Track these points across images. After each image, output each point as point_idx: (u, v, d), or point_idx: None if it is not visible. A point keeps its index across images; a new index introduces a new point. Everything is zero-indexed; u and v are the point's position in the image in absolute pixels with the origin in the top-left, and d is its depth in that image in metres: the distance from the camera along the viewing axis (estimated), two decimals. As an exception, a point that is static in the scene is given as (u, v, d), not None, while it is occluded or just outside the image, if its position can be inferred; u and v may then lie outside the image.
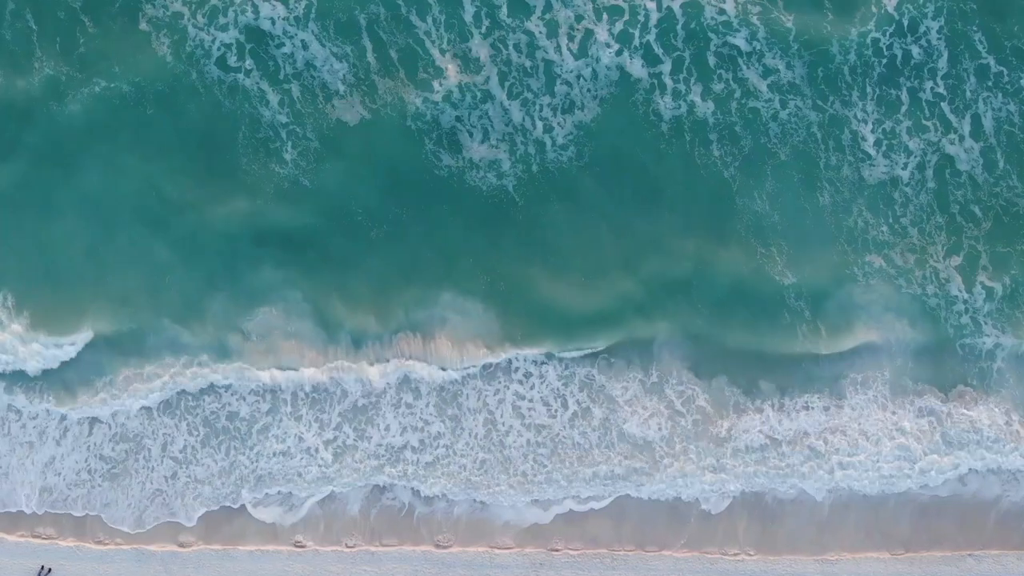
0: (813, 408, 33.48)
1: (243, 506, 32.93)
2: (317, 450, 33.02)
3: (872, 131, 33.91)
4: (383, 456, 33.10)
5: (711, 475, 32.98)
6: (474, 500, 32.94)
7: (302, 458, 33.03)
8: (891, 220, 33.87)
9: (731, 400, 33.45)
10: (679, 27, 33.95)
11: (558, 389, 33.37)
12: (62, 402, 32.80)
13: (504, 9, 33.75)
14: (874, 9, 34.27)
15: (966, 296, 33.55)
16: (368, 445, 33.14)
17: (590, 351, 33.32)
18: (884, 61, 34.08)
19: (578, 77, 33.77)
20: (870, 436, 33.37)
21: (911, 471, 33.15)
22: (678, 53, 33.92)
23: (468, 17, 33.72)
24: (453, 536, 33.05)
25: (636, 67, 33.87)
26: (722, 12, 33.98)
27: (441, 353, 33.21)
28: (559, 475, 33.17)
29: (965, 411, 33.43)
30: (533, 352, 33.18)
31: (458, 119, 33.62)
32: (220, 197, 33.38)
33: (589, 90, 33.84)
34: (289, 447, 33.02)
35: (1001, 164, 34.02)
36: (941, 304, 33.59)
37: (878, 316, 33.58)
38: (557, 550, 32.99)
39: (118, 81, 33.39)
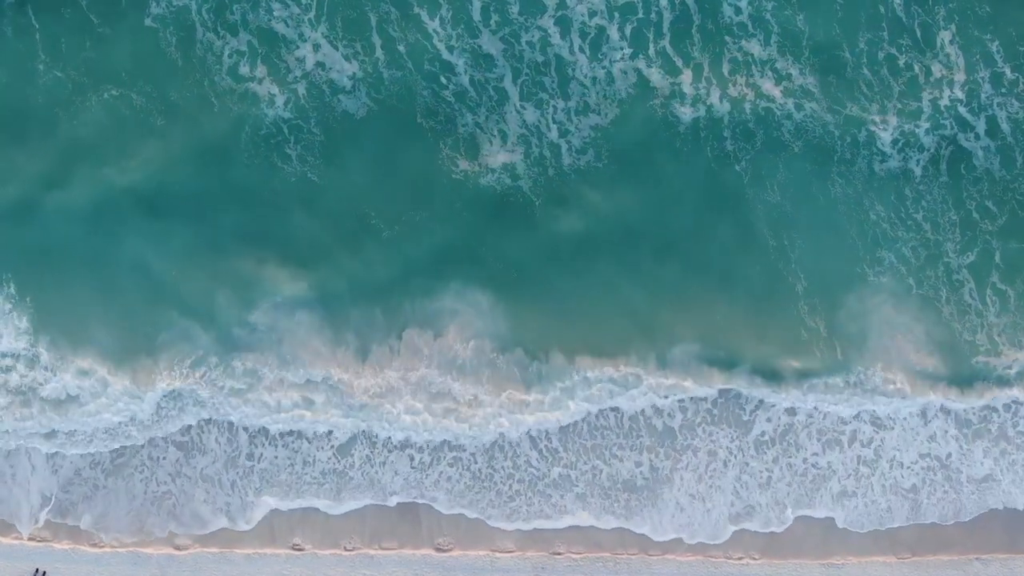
0: (836, 390, 33.31)
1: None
2: (330, 432, 32.91)
3: (887, 130, 34.04)
4: (393, 445, 32.90)
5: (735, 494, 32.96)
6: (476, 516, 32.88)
7: (309, 441, 32.87)
8: (904, 215, 33.85)
9: (752, 382, 33.37)
10: (694, 29, 34.08)
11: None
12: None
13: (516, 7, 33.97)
14: (882, 9, 34.42)
15: (979, 307, 33.52)
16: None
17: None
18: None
19: (594, 80, 33.86)
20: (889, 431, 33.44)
21: (940, 476, 33.19)
22: (695, 61, 34.08)
23: (476, 14, 33.88)
24: (454, 539, 32.74)
25: (653, 71, 34.01)
26: (738, 11, 34.16)
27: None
28: (575, 474, 32.92)
29: (982, 411, 33.43)
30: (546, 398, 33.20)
31: (477, 124, 33.68)
32: (225, 193, 33.36)
33: (604, 93, 33.90)
34: (300, 427, 32.90)
35: (1019, 161, 34.04)
36: (954, 313, 33.58)
37: (890, 323, 33.57)
38: (559, 553, 32.70)
39: (124, 87, 33.54)
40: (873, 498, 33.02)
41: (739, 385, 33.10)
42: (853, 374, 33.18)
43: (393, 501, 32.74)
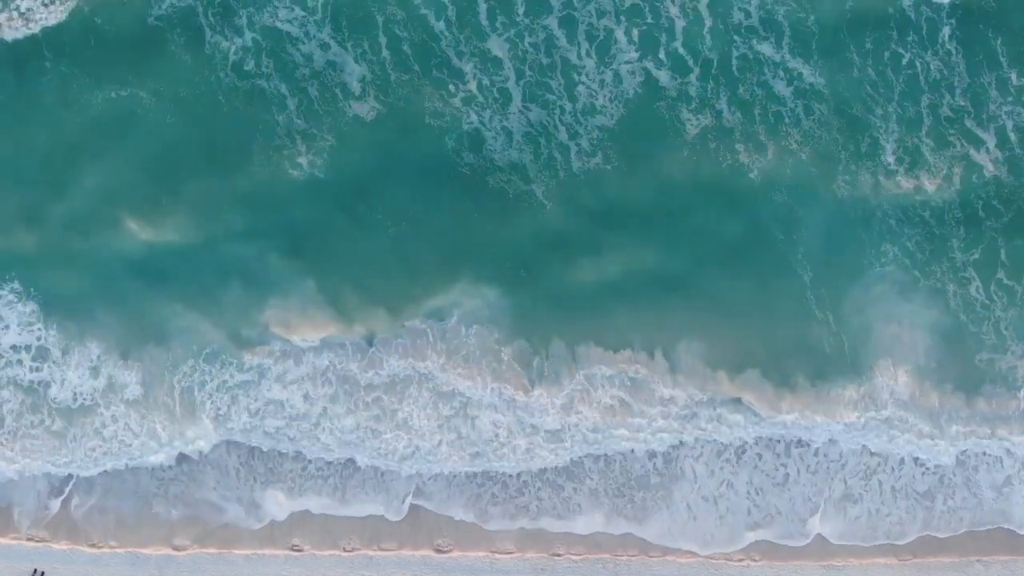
0: (846, 390, 33.10)
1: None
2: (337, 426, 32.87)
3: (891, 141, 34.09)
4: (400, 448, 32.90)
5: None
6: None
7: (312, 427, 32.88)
8: (911, 212, 33.73)
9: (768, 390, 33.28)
10: (705, 31, 34.10)
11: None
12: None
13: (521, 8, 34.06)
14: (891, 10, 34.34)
15: (985, 301, 33.42)
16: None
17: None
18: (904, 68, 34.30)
19: (601, 83, 33.91)
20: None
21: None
22: (704, 57, 34.04)
23: (483, 17, 33.96)
24: (453, 540, 32.65)
25: (662, 73, 34.01)
26: (748, 16, 34.15)
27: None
28: (588, 460, 32.85)
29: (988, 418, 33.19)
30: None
31: (481, 122, 33.71)
32: (234, 192, 33.40)
33: (611, 95, 33.90)
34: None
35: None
36: (959, 305, 33.46)
37: (896, 321, 33.46)
38: (559, 555, 32.60)
39: (133, 87, 33.56)
40: (878, 505, 32.94)
41: (751, 400, 33.04)
42: (863, 384, 33.08)
43: (403, 506, 32.76)
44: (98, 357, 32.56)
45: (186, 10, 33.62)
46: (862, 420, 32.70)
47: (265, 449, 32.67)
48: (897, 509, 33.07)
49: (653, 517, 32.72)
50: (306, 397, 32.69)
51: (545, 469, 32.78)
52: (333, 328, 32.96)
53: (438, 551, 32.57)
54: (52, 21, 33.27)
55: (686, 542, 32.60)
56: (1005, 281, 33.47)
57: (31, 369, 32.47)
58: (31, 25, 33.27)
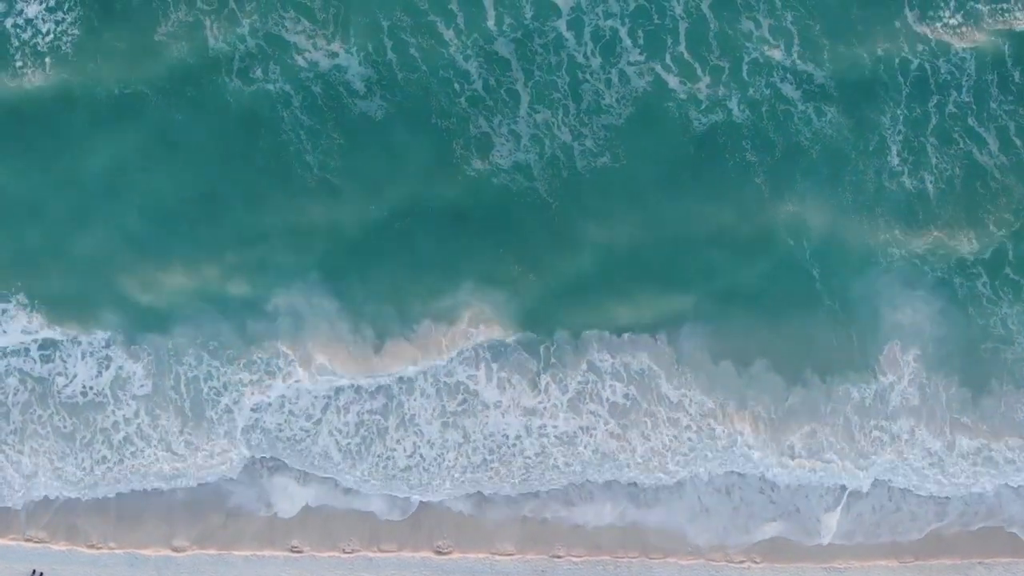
0: (853, 397, 33.18)
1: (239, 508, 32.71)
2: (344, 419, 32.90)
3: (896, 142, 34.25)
4: (400, 450, 32.85)
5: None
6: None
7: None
8: (918, 212, 33.98)
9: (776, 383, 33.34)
10: (711, 36, 34.25)
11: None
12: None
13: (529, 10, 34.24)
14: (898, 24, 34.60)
15: (992, 297, 33.57)
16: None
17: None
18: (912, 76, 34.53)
19: (608, 83, 33.99)
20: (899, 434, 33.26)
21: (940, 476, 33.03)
22: (714, 62, 34.20)
23: (490, 18, 34.12)
24: (453, 542, 32.59)
25: (669, 75, 34.15)
26: (758, 25, 34.36)
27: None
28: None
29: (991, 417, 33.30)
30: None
31: (489, 124, 33.79)
32: (244, 192, 33.45)
33: (618, 94, 33.97)
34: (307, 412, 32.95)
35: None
36: (967, 296, 33.59)
37: (903, 314, 33.57)
38: (559, 556, 32.54)
39: (137, 85, 33.68)
40: (884, 502, 32.95)
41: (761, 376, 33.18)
42: (872, 382, 33.16)
43: (410, 505, 32.78)
44: (106, 343, 32.51)
45: (192, 23, 33.84)
46: (873, 463, 33.01)
47: (259, 457, 32.65)
48: (907, 504, 33.14)
49: (664, 508, 32.81)
50: (309, 390, 32.76)
51: (557, 460, 32.85)
52: (342, 326, 33.06)
53: (438, 552, 32.49)
54: (61, 41, 33.52)
55: (697, 534, 32.66)
56: (1011, 276, 33.68)
57: (40, 359, 32.44)
58: (44, 53, 33.60)
